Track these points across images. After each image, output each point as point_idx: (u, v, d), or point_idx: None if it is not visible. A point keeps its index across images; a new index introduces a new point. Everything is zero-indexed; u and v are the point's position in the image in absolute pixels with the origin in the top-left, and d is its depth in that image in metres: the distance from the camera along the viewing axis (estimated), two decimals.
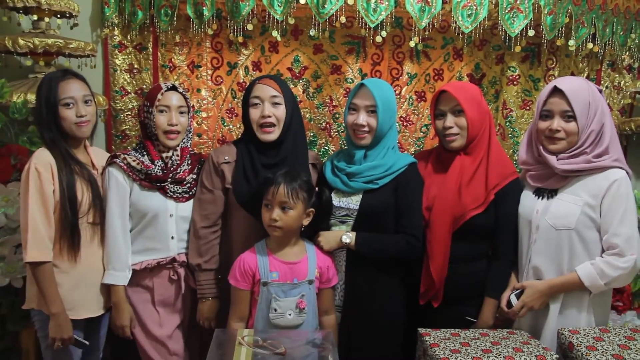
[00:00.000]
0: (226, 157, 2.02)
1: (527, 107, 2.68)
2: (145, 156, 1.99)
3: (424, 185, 2.00)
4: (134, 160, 1.95)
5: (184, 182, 2.04)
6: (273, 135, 1.97)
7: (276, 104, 1.97)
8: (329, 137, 2.68)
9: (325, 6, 2.29)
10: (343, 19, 2.35)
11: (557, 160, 1.84)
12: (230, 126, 2.66)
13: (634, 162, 2.42)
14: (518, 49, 2.47)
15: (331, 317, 1.94)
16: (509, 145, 2.69)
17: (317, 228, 1.96)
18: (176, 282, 2.04)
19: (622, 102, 2.76)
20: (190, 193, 2.05)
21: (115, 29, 2.48)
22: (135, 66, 2.54)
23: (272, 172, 1.86)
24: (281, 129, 1.98)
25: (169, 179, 1.99)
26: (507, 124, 2.69)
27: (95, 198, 1.92)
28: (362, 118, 1.95)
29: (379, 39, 2.42)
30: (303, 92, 2.64)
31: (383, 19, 2.36)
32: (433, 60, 2.67)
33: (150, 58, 2.53)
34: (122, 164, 1.94)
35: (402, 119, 2.70)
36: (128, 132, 2.57)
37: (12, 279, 2.13)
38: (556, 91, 1.84)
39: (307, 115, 2.64)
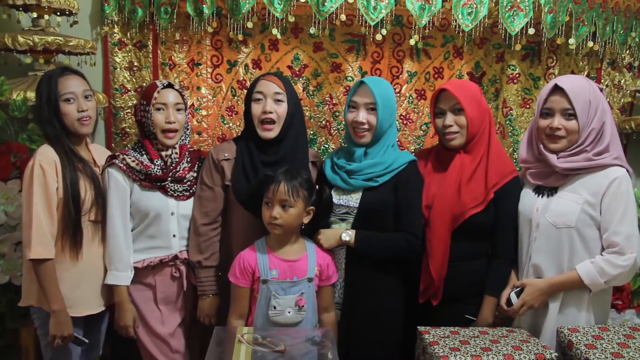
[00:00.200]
0: (226, 154, 2.02)
1: (527, 106, 2.68)
2: (144, 155, 1.99)
3: (423, 183, 2.00)
4: (133, 161, 1.95)
5: (184, 180, 2.04)
6: (272, 133, 1.97)
7: (278, 101, 1.97)
8: (329, 135, 2.68)
9: (326, 4, 2.29)
10: (343, 17, 2.35)
11: (558, 158, 1.84)
12: (230, 124, 2.66)
13: (634, 161, 2.41)
14: (518, 47, 2.47)
15: (331, 314, 1.95)
16: (509, 143, 2.69)
17: (317, 226, 1.96)
18: (178, 279, 2.04)
19: (622, 100, 2.75)
20: (191, 191, 2.05)
21: (115, 26, 2.48)
22: (135, 64, 2.54)
23: (272, 170, 1.86)
24: (281, 126, 1.98)
25: (169, 178, 1.99)
26: (507, 122, 2.69)
27: (97, 196, 1.92)
28: (362, 115, 1.95)
29: (379, 37, 2.41)
30: (303, 90, 2.64)
31: (383, 17, 2.35)
32: (433, 58, 2.67)
33: (150, 56, 2.53)
34: (121, 165, 1.94)
35: (402, 117, 2.70)
36: (128, 129, 2.57)
37: (12, 276, 2.13)
38: (557, 89, 1.84)
39: (307, 113, 2.64)
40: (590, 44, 2.50)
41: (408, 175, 1.97)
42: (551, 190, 1.88)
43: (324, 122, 2.67)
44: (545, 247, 1.86)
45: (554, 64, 2.65)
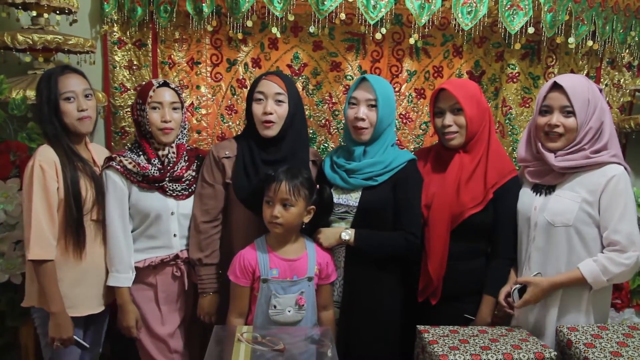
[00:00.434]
0: (227, 152, 2.02)
1: (527, 105, 2.68)
2: (142, 156, 1.98)
3: (423, 182, 2.01)
4: (129, 163, 1.94)
5: (183, 180, 2.03)
6: (272, 131, 1.97)
7: (279, 101, 1.96)
8: (329, 134, 2.68)
9: (325, 3, 2.29)
10: (343, 16, 2.35)
11: (555, 157, 1.84)
12: (230, 123, 2.66)
13: (633, 160, 2.42)
14: (518, 46, 2.47)
15: (329, 312, 1.95)
16: (509, 142, 2.69)
17: (317, 225, 1.96)
18: (179, 278, 2.04)
19: (621, 99, 2.75)
20: (190, 190, 2.04)
21: (115, 25, 2.47)
22: (135, 63, 2.53)
23: (273, 169, 1.86)
24: (281, 126, 1.98)
25: (167, 178, 1.99)
26: (507, 121, 2.69)
27: (98, 195, 1.92)
28: (363, 111, 1.95)
29: (378, 36, 2.41)
30: (303, 89, 2.64)
31: (383, 16, 2.35)
32: (433, 57, 2.67)
33: (150, 54, 2.52)
34: (118, 167, 1.93)
35: (401, 116, 2.70)
36: (127, 128, 2.56)
37: (11, 275, 2.12)
38: (556, 87, 1.84)
39: (307, 112, 2.63)
40: (590, 43, 2.50)
41: (407, 174, 1.97)
42: (549, 189, 1.88)
43: (323, 121, 2.67)
44: (543, 245, 1.86)
45: (553, 63, 2.65)
